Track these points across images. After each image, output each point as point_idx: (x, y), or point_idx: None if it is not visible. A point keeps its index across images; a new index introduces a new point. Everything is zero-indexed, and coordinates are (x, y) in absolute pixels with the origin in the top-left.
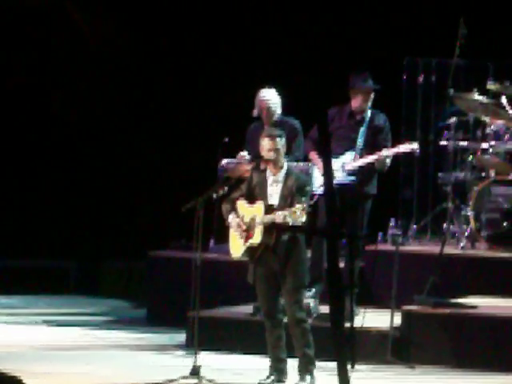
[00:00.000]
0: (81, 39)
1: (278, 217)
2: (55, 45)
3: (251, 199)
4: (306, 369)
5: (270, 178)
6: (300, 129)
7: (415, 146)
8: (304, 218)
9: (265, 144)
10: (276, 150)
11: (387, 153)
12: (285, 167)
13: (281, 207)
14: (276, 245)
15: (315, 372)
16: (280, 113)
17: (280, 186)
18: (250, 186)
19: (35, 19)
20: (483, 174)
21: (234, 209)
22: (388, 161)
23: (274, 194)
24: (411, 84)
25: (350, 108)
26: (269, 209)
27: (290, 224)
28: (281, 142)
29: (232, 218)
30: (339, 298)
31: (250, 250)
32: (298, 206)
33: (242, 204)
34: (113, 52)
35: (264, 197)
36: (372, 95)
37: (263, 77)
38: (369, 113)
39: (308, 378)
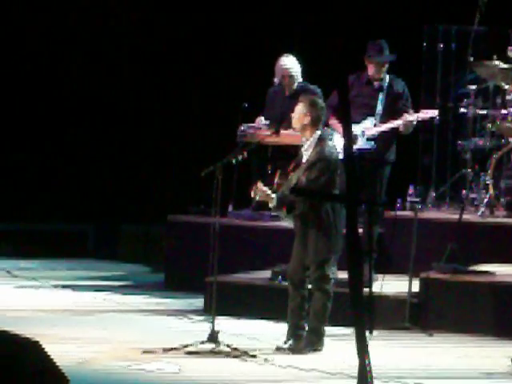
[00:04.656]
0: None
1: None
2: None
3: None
4: (308, 339)
5: (304, 146)
6: (321, 96)
7: (435, 112)
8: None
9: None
10: (297, 116)
11: (412, 117)
12: (314, 137)
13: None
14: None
15: (319, 347)
16: (300, 80)
17: (306, 156)
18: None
19: None
20: (502, 141)
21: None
22: (414, 124)
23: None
24: (431, 51)
25: (367, 75)
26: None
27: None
28: (304, 109)
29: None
30: (358, 264)
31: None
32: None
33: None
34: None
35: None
36: (386, 65)
37: (283, 43)
38: (387, 79)
39: (306, 349)
